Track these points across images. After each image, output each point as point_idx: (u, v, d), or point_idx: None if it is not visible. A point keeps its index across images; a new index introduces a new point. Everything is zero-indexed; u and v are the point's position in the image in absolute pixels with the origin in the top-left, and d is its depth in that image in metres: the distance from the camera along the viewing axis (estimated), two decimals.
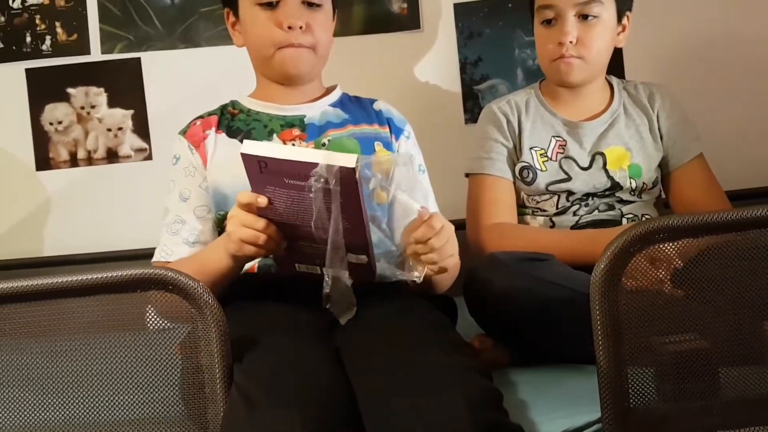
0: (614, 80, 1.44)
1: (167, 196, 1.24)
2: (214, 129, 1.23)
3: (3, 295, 0.84)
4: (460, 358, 0.87)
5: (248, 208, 0.96)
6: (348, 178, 0.88)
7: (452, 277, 1.13)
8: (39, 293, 0.83)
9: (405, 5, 1.77)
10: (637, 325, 0.78)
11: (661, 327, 0.79)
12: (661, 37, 1.73)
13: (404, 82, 1.77)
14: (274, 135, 1.21)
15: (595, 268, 0.77)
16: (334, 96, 1.29)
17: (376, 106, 1.31)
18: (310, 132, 1.22)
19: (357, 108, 1.28)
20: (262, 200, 0.93)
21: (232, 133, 1.23)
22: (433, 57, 1.78)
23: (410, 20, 1.77)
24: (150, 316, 0.86)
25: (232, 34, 1.27)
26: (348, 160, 0.88)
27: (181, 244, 1.18)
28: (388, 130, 1.27)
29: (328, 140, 1.21)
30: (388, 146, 1.25)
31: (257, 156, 0.89)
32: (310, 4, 1.20)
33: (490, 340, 1.10)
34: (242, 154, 0.91)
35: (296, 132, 1.22)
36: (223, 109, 1.28)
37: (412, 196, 0.96)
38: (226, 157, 1.18)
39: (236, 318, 0.89)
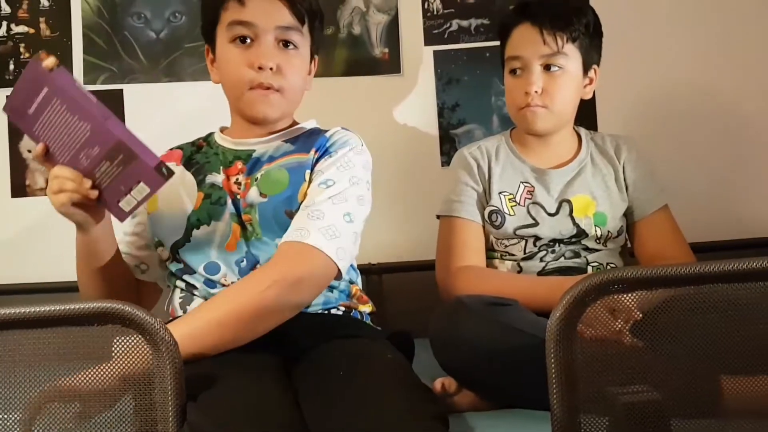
0: (582, 131, 1.47)
1: None
2: (174, 163, 1.24)
3: None
4: (419, 404, 0.87)
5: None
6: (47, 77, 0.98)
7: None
8: None
9: (386, 50, 1.81)
10: (592, 374, 0.78)
11: (617, 377, 0.80)
12: (633, 89, 1.78)
13: (383, 124, 1.81)
14: (221, 168, 1.21)
15: (551, 315, 0.78)
16: (296, 131, 1.26)
17: (328, 133, 1.23)
18: (250, 166, 1.20)
19: (308, 140, 1.23)
20: (39, 146, 1.01)
21: (189, 165, 1.25)
22: (413, 101, 1.82)
23: (391, 65, 1.81)
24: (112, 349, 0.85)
25: (210, 70, 1.29)
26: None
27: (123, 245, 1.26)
28: (317, 154, 1.19)
29: (261, 175, 1.18)
30: (312, 170, 1.18)
31: None
32: (286, 44, 1.19)
33: (454, 383, 1.10)
34: None
35: (239, 166, 1.21)
36: (195, 141, 1.31)
37: None
38: (176, 189, 1.20)
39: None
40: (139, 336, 0.80)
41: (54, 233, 1.72)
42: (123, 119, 1.77)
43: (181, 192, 1.20)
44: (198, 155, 1.26)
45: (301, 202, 1.15)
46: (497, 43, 1.77)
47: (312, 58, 1.28)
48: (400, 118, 1.82)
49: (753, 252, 1.65)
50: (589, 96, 1.42)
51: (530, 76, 1.34)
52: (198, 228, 1.17)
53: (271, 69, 1.17)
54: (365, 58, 1.80)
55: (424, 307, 1.24)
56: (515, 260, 1.36)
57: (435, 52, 1.80)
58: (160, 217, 1.21)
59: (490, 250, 1.38)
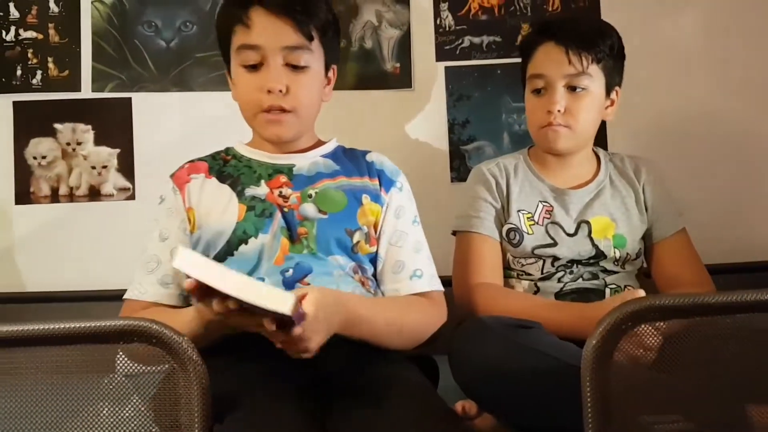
0: (601, 152, 1.47)
1: (149, 235, 1.23)
2: (203, 175, 1.23)
3: None
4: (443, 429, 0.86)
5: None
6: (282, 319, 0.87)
7: (395, 336, 1.12)
8: (15, 340, 0.80)
9: (398, 65, 1.80)
10: (627, 403, 0.77)
11: (650, 406, 0.79)
12: (644, 112, 1.78)
13: (394, 138, 1.80)
14: (262, 181, 1.21)
15: (587, 343, 0.77)
16: (328, 148, 1.30)
17: (369, 157, 1.31)
18: (297, 182, 1.22)
19: (349, 160, 1.28)
20: (217, 307, 0.88)
21: (222, 178, 1.23)
22: (423, 116, 1.81)
23: (402, 79, 1.80)
24: (129, 367, 0.84)
25: (230, 86, 1.28)
26: (282, 303, 0.83)
27: (156, 283, 1.16)
28: (377, 182, 1.26)
29: (315, 192, 1.21)
30: (376, 199, 1.24)
31: (187, 273, 0.84)
32: (294, 67, 1.19)
33: (474, 406, 1.09)
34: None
35: (283, 179, 1.22)
36: (215, 155, 1.29)
37: None
38: (213, 202, 1.19)
39: (219, 375, 0.86)
40: (167, 355, 0.78)
41: (58, 241, 1.73)
42: (131, 128, 1.75)
43: (222, 205, 1.18)
44: (227, 167, 1.25)
45: (362, 223, 1.20)
46: (509, 60, 1.80)
47: (329, 68, 1.28)
48: (410, 133, 1.81)
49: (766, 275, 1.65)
50: (610, 118, 1.42)
51: (553, 96, 1.33)
52: (246, 242, 1.15)
53: (281, 91, 1.17)
54: (376, 72, 1.80)
55: None
56: (532, 280, 1.35)
57: (446, 68, 1.80)
58: (204, 233, 1.18)
59: (506, 268, 1.37)
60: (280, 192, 1.20)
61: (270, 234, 1.15)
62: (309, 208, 1.18)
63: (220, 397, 0.85)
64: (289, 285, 1.11)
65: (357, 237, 1.19)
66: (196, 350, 0.79)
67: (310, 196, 1.20)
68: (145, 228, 1.27)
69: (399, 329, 1.11)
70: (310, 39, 1.19)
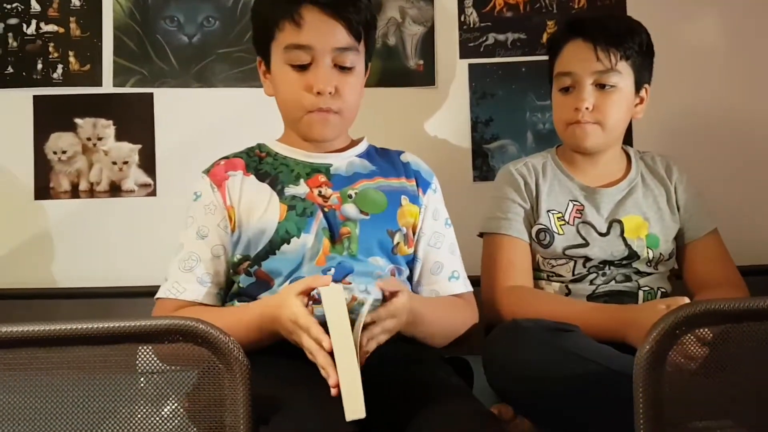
0: (631, 150, 1.45)
1: (183, 232, 1.21)
2: (241, 172, 1.21)
3: (17, 339, 0.80)
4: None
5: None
6: None
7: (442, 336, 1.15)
8: (58, 339, 0.79)
9: (421, 62, 1.78)
10: (679, 409, 0.76)
11: (702, 412, 0.78)
12: (670, 111, 1.76)
13: (415, 136, 1.78)
14: (301, 180, 1.20)
15: (640, 349, 0.76)
16: (361, 147, 1.29)
17: (404, 158, 1.30)
18: (336, 182, 1.21)
19: (384, 160, 1.28)
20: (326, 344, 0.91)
21: (260, 176, 1.21)
22: (446, 114, 1.79)
23: (425, 77, 1.78)
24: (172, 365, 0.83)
25: (263, 81, 1.27)
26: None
27: (195, 282, 1.15)
28: (414, 183, 1.26)
29: (355, 192, 1.20)
30: (414, 200, 1.24)
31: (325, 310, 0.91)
32: (342, 68, 1.18)
33: (510, 410, 1.07)
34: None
35: (322, 179, 1.21)
36: (249, 151, 1.27)
37: None
38: (254, 200, 1.18)
39: (263, 375, 0.85)
40: (213, 355, 0.77)
41: (77, 237, 1.71)
42: (153, 124, 1.74)
43: (263, 203, 1.17)
44: (263, 165, 1.23)
45: (401, 224, 1.19)
46: (534, 57, 1.78)
47: (367, 67, 1.27)
48: (432, 131, 1.79)
49: None
50: (640, 115, 1.40)
51: (581, 93, 1.32)
52: (288, 241, 1.14)
53: (330, 93, 1.16)
54: (399, 69, 1.78)
55: None
56: (563, 282, 1.33)
57: (470, 65, 1.78)
58: (245, 233, 1.17)
59: (536, 269, 1.36)
60: (320, 191, 1.19)
61: (312, 234, 1.15)
62: (350, 209, 1.18)
63: (262, 397, 0.84)
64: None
65: (397, 238, 1.19)
66: (242, 351, 0.78)
67: (350, 196, 1.19)
68: (167, 224, 1.26)
69: (447, 329, 1.13)
70: (359, 40, 1.19)
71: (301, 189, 1.19)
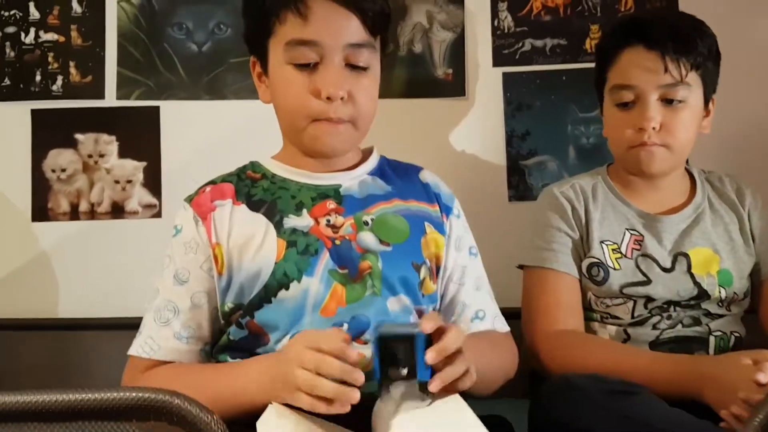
0: (694, 170, 1.27)
1: (159, 275, 1.04)
2: (230, 201, 1.02)
3: None
4: None
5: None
6: None
7: (489, 381, 0.99)
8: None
9: (450, 71, 1.63)
10: None
11: None
12: (731, 122, 1.57)
13: (445, 152, 1.63)
14: (304, 210, 1.01)
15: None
16: (372, 162, 1.10)
17: (423, 177, 1.12)
18: (349, 205, 1.02)
19: (400, 178, 1.09)
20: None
21: (253, 204, 1.02)
22: (478, 127, 1.64)
23: (455, 87, 1.63)
24: None
25: (257, 86, 1.09)
26: None
27: (172, 338, 0.98)
28: (438, 208, 1.08)
29: (372, 219, 1.02)
30: (439, 227, 1.06)
31: None
32: (354, 67, 1.00)
33: None
34: None
35: (331, 205, 1.02)
36: (240, 173, 1.08)
37: None
38: (245, 235, 0.99)
39: None
40: None
41: (77, 262, 1.58)
42: (159, 139, 1.61)
43: (257, 240, 0.99)
44: (256, 190, 1.05)
45: (426, 256, 1.03)
46: (575, 65, 1.61)
47: (382, 68, 1.09)
48: (463, 145, 1.64)
49: None
50: (707, 131, 1.22)
51: (646, 110, 1.14)
52: (287, 287, 0.96)
53: (342, 99, 0.98)
54: (426, 78, 1.62)
55: None
56: (621, 325, 1.15)
57: (504, 74, 1.62)
58: (236, 276, 0.99)
59: (587, 309, 1.18)
60: (328, 221, 1.01)
61: (316, 277, 0.96)
62: (368, 238, 1.00)
63: None
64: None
65: (423, 273, 1.02)
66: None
67: (366, 223, 1.01)
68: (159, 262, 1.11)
69: (492, 374, 0.98)
70: (375, 35, 1.01)
71: (303, 221, 1.00)
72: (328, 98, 0.98)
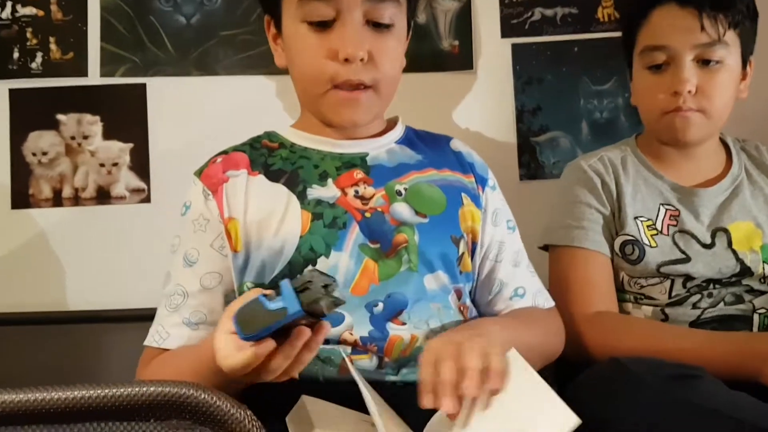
0: (728, 139, 1.19)
1: (171, 258, 0.96)
2: (245, 171, 0.94)
3: None
4: None
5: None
6: None
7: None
8: None
9: (456, 42, 1.54)
10: None
11: None
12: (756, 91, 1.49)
13: (451, 128, 1.53)
14: (329, 180, 0.93)
15: None
16: (399, 131, 1.02)
17: (454, 146, 1.05)
18: (378, 175, 0.94)
19: (431, 148, 1.02)
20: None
21: (272, 174, 0.94)
22: (486, 102, 1.55)
23: (461, 60, 1.54)
24: None
25: (273, 49, 1.00)
26: None
27: (181, 325, 0.89)
28: (473, 179, 1.01)
29: (405, 188, 0.94)
30: (475, 200, 0.99)
31: None
32: (377, 25, 0.91)
33: None
34: None
35: (359, 175, 0.94)
36: (254, 142, 1.00)
37: None
38: (265, 208, 0.91)
39: None
40: None
41: (60, 251, 1.47)
42: (146, 119, 1.50)
43: (278, 212, 0.90)
44: (275, 159, 0.96)
45: (463, 230, 0.95)
46: (587, 35, 1.52)
47: (410, 27, 1.01)
48: (470, 122, 1.54)
49: None
50: (745, 95, 1.14)
51: (681, 72, 1.06)
52: (314, 263, 0.88)
53: (362, 60, 0.89)
54: (431, 51, 1.53)
55: None
56: (657, 305, 1.07)
57: (513, 45, 1.53)
58: (255, 254, 0.90)
59: (619, 290, 1.10)
60: (357, 191, 0.92)
61: (345, 251, 0.88)
62: (403, 209, 0.92)
63: None
64: (379, 324, 0.85)
65: (462, 247, 0.94)
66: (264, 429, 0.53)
67: (399, 193, 0.93)
68: (163, 236, 1.03)
69: (540, 353, 0.93)
70: None
71: (329, 191, 0.92)
72: (346, 60, 0.88)
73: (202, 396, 0.51)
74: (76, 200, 1.49)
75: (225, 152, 0.99)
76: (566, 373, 1.00)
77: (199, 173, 0.97)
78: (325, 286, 0.66)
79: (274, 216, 0.90)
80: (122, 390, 0.53)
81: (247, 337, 0.65)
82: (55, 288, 1.48)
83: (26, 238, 1.49)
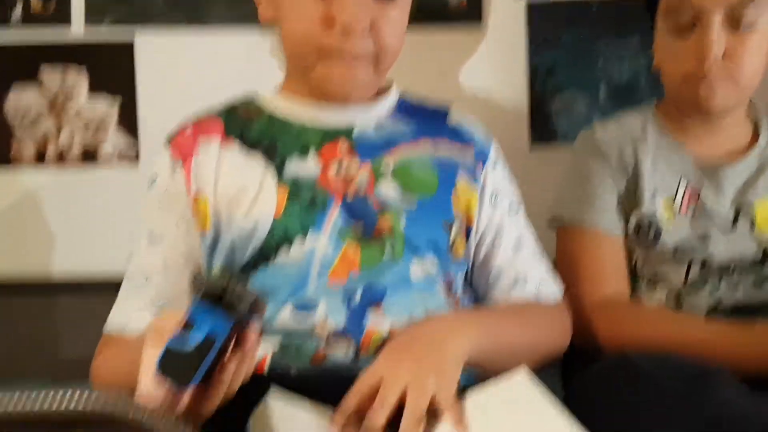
0: (758, 108, 1.10)
1: (135, 237, 0.89)
2: (218, 138, 0.87)
3: None
4: None
5: None
6: None
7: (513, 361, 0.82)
8: None
9: None
10: None
11: None
12: None
13: (457, 89, 1.44)
14: (310, 151, 0.86)
15: None
16: (392, 98, 0.94)
17: (453, 116, 0.97)
18: (363, 150, 0.87)
19: (426, 118, 0.94)
20: None
21: (247, 144, 0.87)
22: (496, 61, 1.45)
23: (470, 14, 1.44)
24: None
25: (257, 1, 0.91)
26: None
27: (143, 309, 0.83)
28: (472, 153, 0.93)
29: (393, 165, 0.87)
30: (473, 177, 0.92)
31: None
32: None
33: None
34: None
35: (343, 146, 0.86)
36: (230, 109, 0.92)
37: None
38: (238, 182, 0.84)
39: None
40: None
41: (44, 215, 1.41)
42: (134, 74, 1.42)
43: (252, 187, 0.84)
44: (253, 127, 0.88)
45: (456, 212, 0.88)
46: None
47: None
48: (478, 82, 1.45)
49: None
50: None
51: (708, 35, 0.96)
52: (288, 246, 0.81)
53: (361, 31, 0.81)
54: (436, 3, 1.42)
55: None
56: (672, 290, 1.00)
57: (529, 4, 1.43)
58: (225, 233, 0.84)
59: (631, 273, 1.03)
60: (339, 166, 0.85)
61: (324, 234, 0.81)
62: (390, 190, 0.85)
63: None
64: (356, 315, 0.78)
65: (454, 232, 0.87)
66: None
67: (386, 170, 0.86)
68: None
69: (531, 353, 0.85)
70: None
71: (309, 167, 0.85)
72: (344, 30, 0.80)
73: (139, 417, 0.45)
74: (61, 161, 1.43)
75: (198, 119, 0.92)
76: (573, 361, 0.93)
77: (170, 140, 0.91)
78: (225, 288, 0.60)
79: (246, 193, 0.84)
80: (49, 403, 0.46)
81: (185, 386, 0.58)
82: (37, 253, 1.42)
83: (8, 203, 1.43)
